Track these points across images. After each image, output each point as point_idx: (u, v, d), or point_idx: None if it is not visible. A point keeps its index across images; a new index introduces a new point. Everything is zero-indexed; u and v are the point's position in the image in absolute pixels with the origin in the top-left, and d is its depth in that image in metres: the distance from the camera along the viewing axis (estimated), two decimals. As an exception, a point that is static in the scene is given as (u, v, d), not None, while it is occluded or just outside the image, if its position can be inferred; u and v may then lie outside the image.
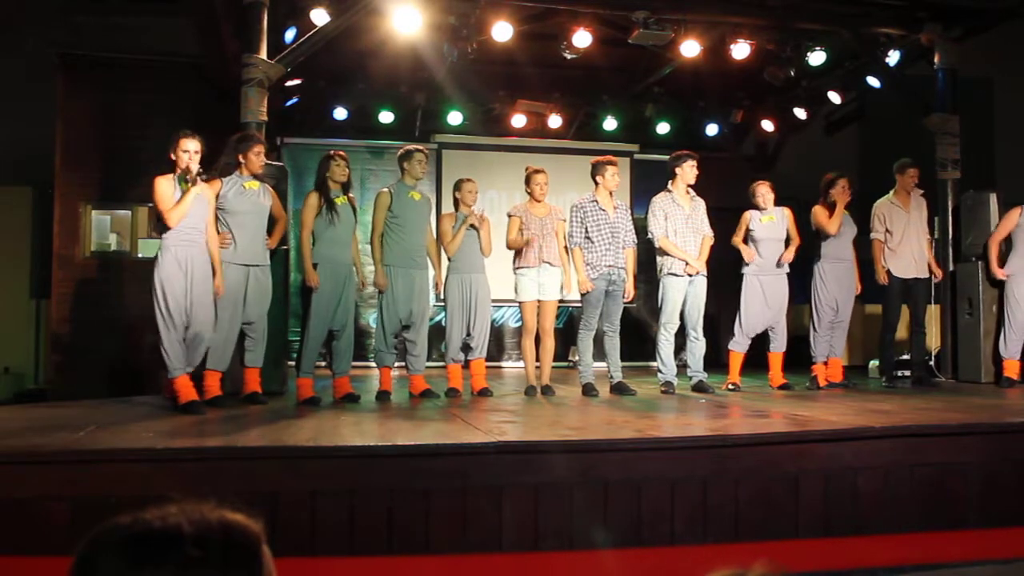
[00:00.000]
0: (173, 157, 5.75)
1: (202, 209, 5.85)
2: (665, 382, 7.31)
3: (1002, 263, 8.08)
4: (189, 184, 5.68)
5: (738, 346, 7.74)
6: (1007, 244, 8.13)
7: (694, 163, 7.39)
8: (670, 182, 7.45)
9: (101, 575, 1.10)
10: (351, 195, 6.88)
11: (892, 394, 7.18)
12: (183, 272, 5.70)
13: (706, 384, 7.26)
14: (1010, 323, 8.01)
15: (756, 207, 7.76)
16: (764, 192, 7.75)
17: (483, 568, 3.92)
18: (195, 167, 5.71)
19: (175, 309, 5.65)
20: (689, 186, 7.40)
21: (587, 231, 7.07)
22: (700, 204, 7.47)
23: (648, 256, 7.40)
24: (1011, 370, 7.96)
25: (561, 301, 7.38)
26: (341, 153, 6.81)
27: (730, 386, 7.55)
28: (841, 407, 5.98)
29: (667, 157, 7.71)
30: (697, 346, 7.38)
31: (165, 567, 1.10)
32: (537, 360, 7.29)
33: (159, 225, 5.80)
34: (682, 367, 7.57)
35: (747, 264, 7.70)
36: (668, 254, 7.27)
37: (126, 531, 1.13)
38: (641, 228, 7.53)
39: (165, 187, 5.68)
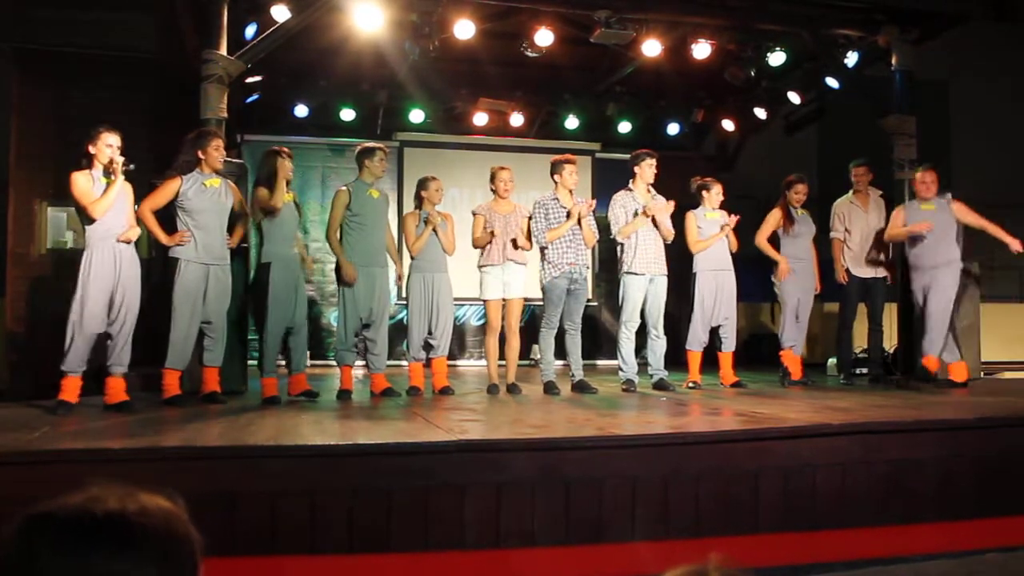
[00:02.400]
0: (92, 151, 5.74)
1: (125, 203, 5.85)
2: (626, 380, 7.35)
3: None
4: (113, 177, 5.71)
5: (696, 345, 7.79)
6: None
7: (652, 161, 7.43)
8: (631, 180, 7.50)
9: (43, 569, 1.04)
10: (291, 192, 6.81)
11: (850, 391, 7.27)
12: (114, 270, 5.69)
13: (667, 382, 7.30)
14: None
15: (699, 203, 7.88)
16: (717, 191, 7.85)
17: (445, 565, 3.91)
18: (119, 160, 5.72)
19: (99, 309, 5.65)
20: (650, 185, 7.45)
21: (550, 228, 7.07)
22: (661, 202, 7.51)
23: (610, 255, 7.42)
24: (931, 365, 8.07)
25: (525, 299, 7.39)
26: (286, 150, 6.76)
27: (691, 384, 7.60)
28: (800, 404, 6.04)
29: (628, 156, 7.76)
30: (658, 344, 7.42)
31: (121, 554, 1.06)
32: (502, 358, 7.30)
33: (86, 219, 5.75)
34: (643, 365, 7.61)
35: (698, 262, 7.79)
36: (627, 253, 7.31)
37: (66, 519, 1.07)
38: (604, 227, 7.56)
39: (84, 181, 5.69)
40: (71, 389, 5.66)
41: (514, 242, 7.13)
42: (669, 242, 7.48)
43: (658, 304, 7.38)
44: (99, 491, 1.11)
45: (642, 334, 7.45)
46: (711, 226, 7.78)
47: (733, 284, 7.79)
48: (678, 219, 7.70)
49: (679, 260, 8.00)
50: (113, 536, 1.06)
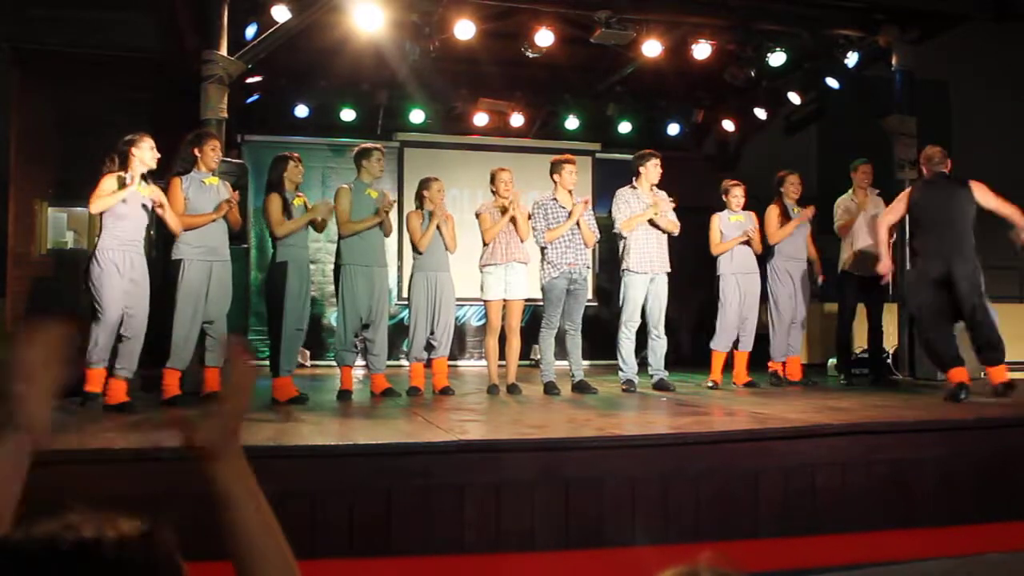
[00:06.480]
0: (136, 152, 5.86)
1: (143, 215, 5.94)
2: (626, 380, 7.34)
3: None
4: (127, 183, 5.80)
5: (720, 345, 7.78)
6: None
7: (658, 162, 7.43)
8: (634, 179, 7.49)
9: None
10: (299, 194, 6.84)
11: (850, 392, 7.26)
12: (120, 275, 5.77)
13: (667, 382, 7.29)
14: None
15: (725, 206, 7.87)
16: (739, 194, 7.86)
17: (446, 571, 3.91)
18: (139, 169, 5.86)
19: (114, 307, 5.74)
20: (654, 185, 7.44)
21: (549, 229, 7.08)
22: (663, 198, 7.49)
23: (610, 255, 7.42)
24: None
25: (526, 300, 7.38)
26: (296, 155, 6.81)
27: (710, 384, 7.59)
28: (800, 404, 6.04)
29: (629, 156, 7.77)
30: (658, 344, 7.41)
31: None
32: (503, 359, 7.30)
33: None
34: (643, 365, 7.60)
35: (722, 265, 7.80)
36: (628, 251, 7.31)
37: (25, 551, 0.95)
38: (604, 227, 7.55)
39: (105, 183, 5.80)
40: (95, 380, 5.74)
41: (513, 220, 7.12)
42: (676, 234, 7.48)
43: (659, 303, 7.37)
44: (74, 517, 1.00)
45: (642, 334, 7.45)
46: (733, 229, 7.78)
47: (758, 287, 7.80)
48: (693, 220, 7.69)
49: (696, 261, 7.97)
50: (85, 569, 0.95)
